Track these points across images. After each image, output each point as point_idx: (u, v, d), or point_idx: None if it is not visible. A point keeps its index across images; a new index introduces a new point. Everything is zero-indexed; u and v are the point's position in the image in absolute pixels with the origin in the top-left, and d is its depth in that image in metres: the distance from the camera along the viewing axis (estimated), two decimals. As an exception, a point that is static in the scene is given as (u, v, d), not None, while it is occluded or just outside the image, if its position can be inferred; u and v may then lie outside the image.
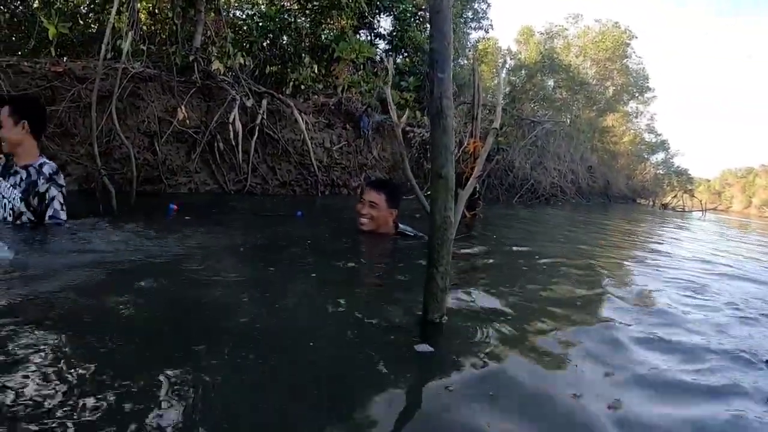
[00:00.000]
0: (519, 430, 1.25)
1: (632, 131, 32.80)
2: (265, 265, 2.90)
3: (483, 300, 2.32)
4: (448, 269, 1.76)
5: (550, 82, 18.99)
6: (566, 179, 17.64)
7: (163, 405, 1.20)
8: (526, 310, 2.27)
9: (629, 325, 2.21)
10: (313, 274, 2.71)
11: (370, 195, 3.66)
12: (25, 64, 6.35)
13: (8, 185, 3.13)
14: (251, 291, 2.27)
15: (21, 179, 3.12)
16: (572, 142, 17.94)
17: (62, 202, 3.19)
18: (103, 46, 5.14)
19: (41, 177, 3.12)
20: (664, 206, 25.12)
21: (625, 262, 4.41)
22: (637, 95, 29.46)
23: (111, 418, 1.13)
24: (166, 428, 1.11)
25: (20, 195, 3.11)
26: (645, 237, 7.52)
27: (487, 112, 12.27)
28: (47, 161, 3.23)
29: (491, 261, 3.71)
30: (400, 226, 3.85)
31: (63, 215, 3.19)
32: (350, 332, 1.79)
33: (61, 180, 3.24)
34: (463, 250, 3.87)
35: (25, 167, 3.13)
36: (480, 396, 1.38)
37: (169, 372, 1.36)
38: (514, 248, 4.36)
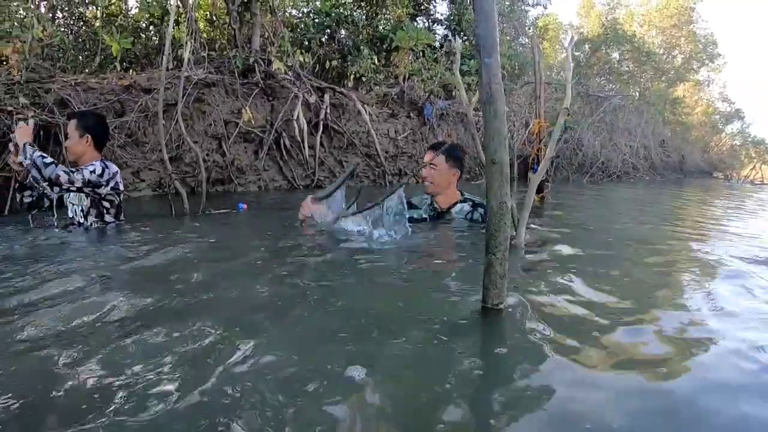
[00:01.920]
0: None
1: (705, 101, 30.88)
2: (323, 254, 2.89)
3: (548, 286, 2.15)
4: (506, 255, 1.69)
5: (615, 55, 18.01)
6: (638, 155, 16.73)
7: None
8: (594, 297, 2.04)
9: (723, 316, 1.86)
10: (380, 262, 2.65)
11: (429, 156, 3.50)
12: (93, 80, 6.50)
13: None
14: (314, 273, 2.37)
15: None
16: (642, 116, 16.97)
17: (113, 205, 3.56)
18: (164, 57, 5.16)
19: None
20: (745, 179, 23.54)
21: (709, 245, 3.86)
22: (707, 62, 27.68)
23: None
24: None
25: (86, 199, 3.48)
26: (730, 215, 6.82)
27: (553, 90, 11.75)
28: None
29: (559, 245, 3.28)
30: (466, 194, 3.62)
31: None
32: (409, 318, 1.75)
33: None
34: (529, 235, 3.58)
35: None
36: (531, 390, 1.27)
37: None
38: (584, 230, 4.02)
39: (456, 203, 3.56)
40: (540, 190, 6.64)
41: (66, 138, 3.46)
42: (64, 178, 3.29)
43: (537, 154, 5.90)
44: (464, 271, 2.46)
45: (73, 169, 3.38)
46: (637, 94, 18.54)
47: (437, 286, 2.21)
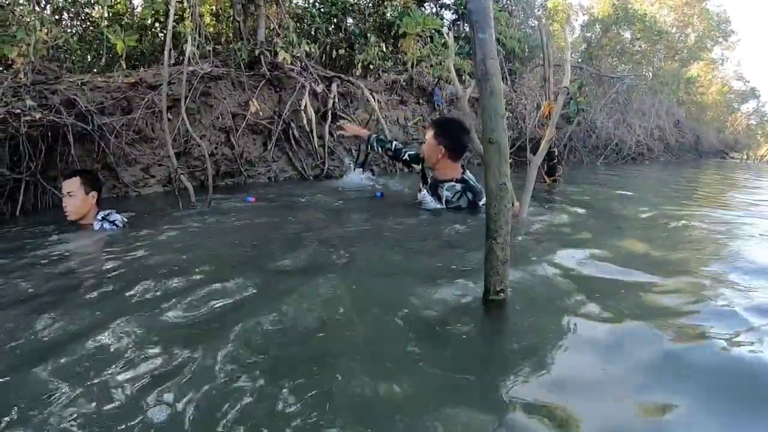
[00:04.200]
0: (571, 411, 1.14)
1: (719, 80, 30.28)
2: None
3: (554, 272, 2.11)
4: (507, 239, 1.65)
5: (627, 35, 17.62)
6: (652, 136, 16.40)
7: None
8: (601, 283, 2.01)
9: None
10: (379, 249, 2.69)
11: (427, 131, 3.68)
12: (99, 79, 6.44)
13: None
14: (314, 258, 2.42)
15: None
16: (656, 96, 16.65)
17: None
18: (165, 53, 5.09)
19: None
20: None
21: (726, 226, 3.71)
22: (720, 40, 27.10)
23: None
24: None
25: None
26: (745, 194, 6.59)
27: (563, 73, 11.51)
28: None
29: (566, 229, 3.27)
30: (467, 174, 3.62)
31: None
32: (409, 304, 1.74)
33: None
34: (539, 218, 3.48)
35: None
36: (535, 374, 1.28)
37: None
38: (595, 214, 3.89)
39: (449, 180, 3.58)
40: (552, 173, 6.49)
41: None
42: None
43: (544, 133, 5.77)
44: (472, 256, 2.39)
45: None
46: (650, 74, 18.18)
47: (443, 272, 2.16)
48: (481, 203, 3.44)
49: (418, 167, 4.03)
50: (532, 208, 3.51)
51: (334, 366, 1.36)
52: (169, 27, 5.21)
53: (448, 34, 6.68)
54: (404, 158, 4.12)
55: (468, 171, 3.66)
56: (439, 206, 3.64)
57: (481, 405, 1.18)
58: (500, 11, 10.68)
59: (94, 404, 1.21)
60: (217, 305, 1.81)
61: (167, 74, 5.29)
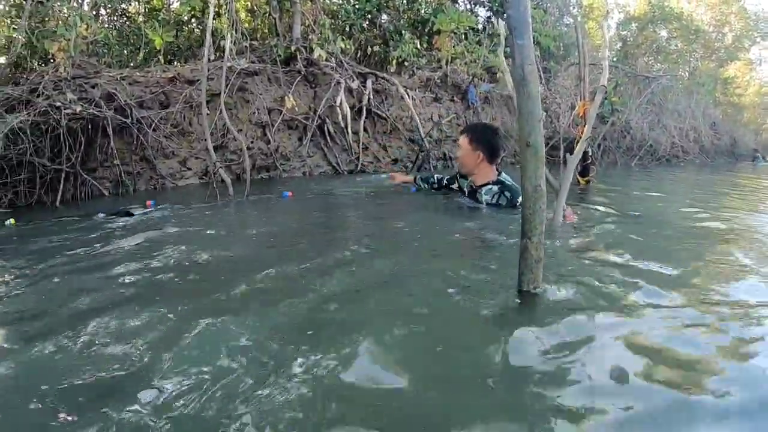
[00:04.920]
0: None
1: (757, 81, 29.48)
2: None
3: (586, 270, 2.13)
4: (542, 239, 1.69)
5: (663, 33, 17.25)
6: (687, 138, 16.03)
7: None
8: (634, 284, 1.97)
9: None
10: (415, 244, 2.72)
11: (460, 139, 3.76)
12: (138, 74, 6.54)
13: None
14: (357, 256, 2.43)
15: None
16: (692, 96, 16.29)
17: None
18: (205, 49, 5.15)
19: None
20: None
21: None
22: (758, 40, 26.37)
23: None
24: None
25: None
26: None
27: (599, 72, 11.33)
28: None
29: (600, 229, 3.19)
30: (503, 175, 3.68)
31: None
32: (443, 300, 1.77)
33: None
34: (571, 217, 3.40)
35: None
36: (563, 378, 1.27)
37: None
38: (629, 215, 3.77)
39: (487, 184, 3.66)
40: (586, 173, 6.37)
41: None
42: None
43: (582, 136, 5.67)
44: (505, 254, 2.40)
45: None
46: (686, 74, 17.80)
47: (476, 268, 2.19)
48: (519, 203, 3.43)
49: (455, 186, 4.25)
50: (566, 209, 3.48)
51: (365, 352, 1.40)
52: (209, 24, 5.26)
53: (497, 23, 6.63)
54: (445, 183, 4.50)
55: (503, 172, 3.72)
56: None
57: (503, 405, 1.19)
58: (535, 8, 10.55)
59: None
60: (270, 298, 1.86)
61: (206, 70, 5.34)
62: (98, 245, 2.96)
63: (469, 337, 1.50)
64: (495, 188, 3.61)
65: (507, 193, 3.55)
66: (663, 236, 3.09)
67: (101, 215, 4.12)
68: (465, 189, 3.93)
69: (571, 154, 3.47)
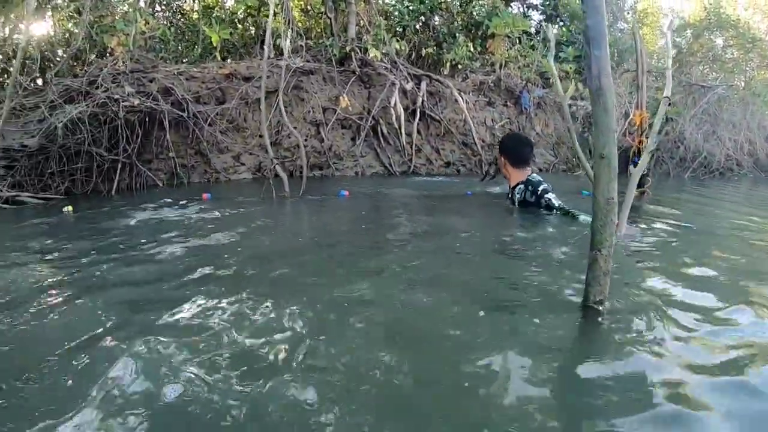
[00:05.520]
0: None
1: (815, 93, 28.41)
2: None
3: (649, 283, 2.10)
4: (611, 252, 1.67)
5: (719, 41, 16.70)
6: (742, 151, 15.52)
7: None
8: (697, 299, 1.93)
9: None
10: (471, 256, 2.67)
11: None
12: (195, 70, 6.62)
13: None
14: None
15: None
16: (748, 107, 15.76)
17: None
18: (266, 48, 5.15)
19: None
20: None
21: None
22: (817, 50, 25.45)
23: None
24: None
25: None
26: None
27: (653, 79, 11.03)
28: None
29: (661, 242, 3.09)
30: (531, 176, 3.85)
31: None
32: (507, 312, 1.77)
33: None
34: (630, 230, 3.31)
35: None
36: (630, 391, 1.26)
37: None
38: (688, 227, 3.61)
39: (518, 185, 3.86)
40: (641, 184, 6.14)
41: None
42: None
43: (639, 146, 5.50)
44: (571, 263, 2.37)
45: None
46: (742, 83, 17.23)
47: (543, 275, 2.18)
48: (546, 196, 3.70)
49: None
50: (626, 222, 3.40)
51: (423, 350, 1.48)
52: (269, 23, 5.25)
53: (547, 28, 6.47)
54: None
55: (535, 174, 3.92)
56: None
57: (560, 414, 1.18)
58: (587, 12, 10.35)
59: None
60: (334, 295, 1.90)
61: (266, 68, 5.34)
62: (160, 234, 3.06)
63: (535, 350, 1.48)
64: (522, 186, 3.82)
65: (530, 188, 3.75)
66: (721, 249, 2.96)
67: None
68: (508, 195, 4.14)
69: (627, 163, 3.38)
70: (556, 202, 3.63)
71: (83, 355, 1.41)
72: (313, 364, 1.35)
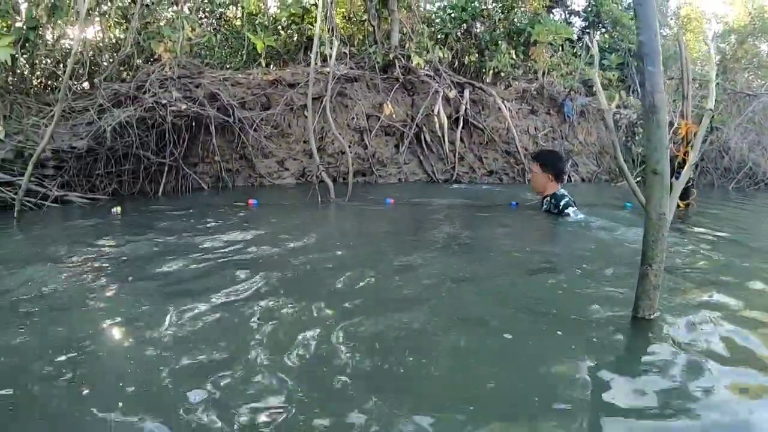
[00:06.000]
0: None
1: None
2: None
3: (696, 298, 2.13)
4: (662, 267, 1.69)
5: (764, 47, 16.31)
6: (788, 162, 15.04)
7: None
8: (746, 313, 1.93)
9: None
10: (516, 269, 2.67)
11: (531, 165, 4.30)
12: (240, 76, 6.70)
13: None
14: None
15: None
16: (794, 117, 15.29)
17: None
18: (313, 55, 5.19)
19: None
20: None
21: None
22: None
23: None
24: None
25: None
26: None
27: (697, 86, 10.79)
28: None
29: (707, 255, 3.04)
30: (557, 190, 4.14)
31: None
32: (558, 325, 1.76)
33: None
34: (680, 248, 3.28)
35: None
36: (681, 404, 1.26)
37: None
38: (734, 242, 3.57)
39: (547, 196, 4.19)
40: (686, 196, 5.98)
41: None
42: None
43: (684, 158, 5.36)
44: (619, 277, 2.36)
45: None
46: (789, 92, 16.73)
47: (588, 292, 2.18)
48: (567, 210, 3.99)
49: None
50: (671, 238, 3.30)
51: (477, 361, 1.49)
52: (317, 31, 5.27)
53: (590, 39, 6.38)
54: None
55: (562, 188, 4.21)
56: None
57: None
58: (631, 20, 10.16)
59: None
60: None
61: (313, 75, 5.39)
62: (208, 236, 3.16)
63: (584, 361, 1.48)
64: (549, 198, 4.16)
65: (554, 201, 4.07)
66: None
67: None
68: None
69: (672, 173, 3.28)
70: (573, 217, 3.93)
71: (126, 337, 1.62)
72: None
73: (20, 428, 1.15)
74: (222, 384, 1.29)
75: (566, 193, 4.11)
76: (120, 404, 1.20)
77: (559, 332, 1.69)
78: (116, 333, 1.67)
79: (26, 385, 1.30)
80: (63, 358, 1.43)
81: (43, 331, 1.63)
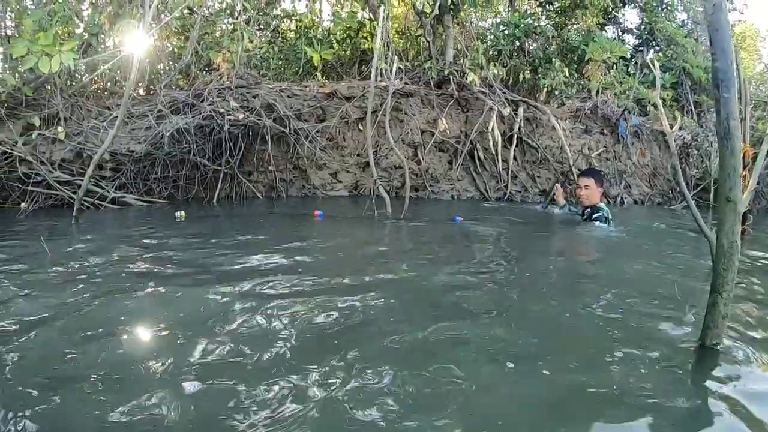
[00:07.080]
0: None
1: None
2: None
3: (762, 325, 2.10)
4: (731, 295, 1.67)
5: (822, 65, 15.85)
6: (844, 186, 14.49)
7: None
8: None
9: None
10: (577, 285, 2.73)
11: (583, 180, 4.69)
12: (296, 87, 6.80)
13: None
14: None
15: None
16: None
17: None
18: (373, 69, 5.22)
19: None
20: None
21: None
22: None
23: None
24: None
25: None
26: None
27: (752, 107, 10.49)
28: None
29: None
30: (599, 203, 4.64)
31: None
32: (622, 348, 1.77)
33: None
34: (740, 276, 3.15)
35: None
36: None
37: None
38: None
39: (589, 207, 4.65)
40: (743, 221, 5.75)
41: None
42: None
43: (743, 181, 5.16)
44: (685, 304, 2.28)
45: None
46: None
47: (652, 318, 2.13)
48: (597, 223, 4.53)
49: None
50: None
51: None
52: (377, 45, 5.28)
53: (650, 60, 6.25)
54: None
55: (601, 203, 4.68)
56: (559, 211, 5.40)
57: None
58: (685, 37, 9.94)
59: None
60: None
61: (373, 89, 5.44)
62: (273, 244, 3.24)
63: (645, 391, 1.47)
64: (592, 210, 4.60)
65: (596, 212, 4.55)
66: None
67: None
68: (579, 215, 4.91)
69: None
70: (603, 224, 4.46)
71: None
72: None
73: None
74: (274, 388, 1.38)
75: (603, 205, 4.64)
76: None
77: (626, 362, 1.69)
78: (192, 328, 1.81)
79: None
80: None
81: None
